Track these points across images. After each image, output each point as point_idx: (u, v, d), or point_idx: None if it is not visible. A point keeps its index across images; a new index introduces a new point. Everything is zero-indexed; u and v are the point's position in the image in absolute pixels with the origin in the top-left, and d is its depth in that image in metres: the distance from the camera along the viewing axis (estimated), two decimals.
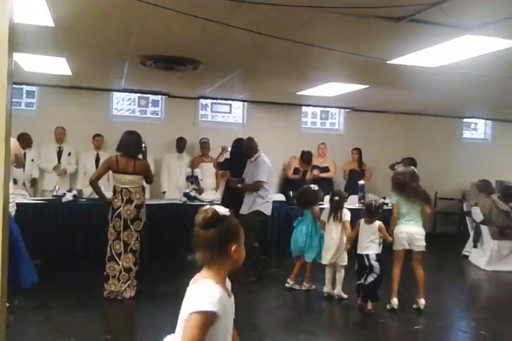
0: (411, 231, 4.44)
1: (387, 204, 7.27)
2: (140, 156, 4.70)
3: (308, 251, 5.00)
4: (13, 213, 4.14)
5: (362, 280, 4.38)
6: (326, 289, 4.87)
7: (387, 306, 4.46)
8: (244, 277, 5.09)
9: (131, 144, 4.55)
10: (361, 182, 7.18)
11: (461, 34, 3.62)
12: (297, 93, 7.06)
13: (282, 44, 3.98)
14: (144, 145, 4.82)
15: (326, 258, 4.80)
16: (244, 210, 5.36)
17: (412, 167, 4.58)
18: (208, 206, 1.65)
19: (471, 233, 6.95)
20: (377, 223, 4.47)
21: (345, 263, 4.76)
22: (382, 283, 4.39)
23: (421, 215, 4.49)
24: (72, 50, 4.66)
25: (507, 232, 6.43)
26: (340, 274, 4.77)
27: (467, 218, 7.16)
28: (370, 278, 4.33)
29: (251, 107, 8.60)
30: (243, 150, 5.69)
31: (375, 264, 4.34)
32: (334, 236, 4.75)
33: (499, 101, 7.37)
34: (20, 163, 4.28)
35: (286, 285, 5.14)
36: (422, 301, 4.47)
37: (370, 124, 8.97)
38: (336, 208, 4.81)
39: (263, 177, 5.36)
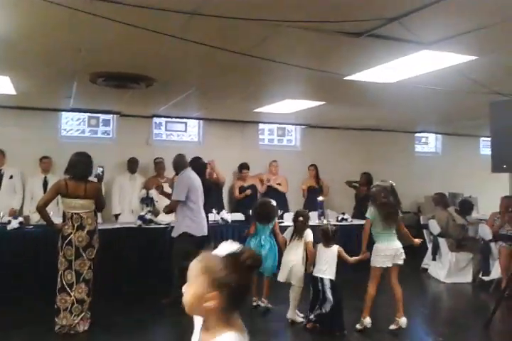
0: (396, 246, 4.35)
1: (346, 219, 7.29)
2: (93, 179, 4.52)
3: (266, 265, 4.85)
4: None
5: (319, 309, 4.30)
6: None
7: (357, 326, 4.34)
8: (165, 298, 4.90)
9: (81, 166, 4.34)
10: (320, 198, 7.13)
11: (420, 49, 3.63)
12: (254, 110, 6.97)
13: (239, 59, 3.87)
14: (101, 169, 4.66)
15: (281, 276, 4.69)
16: (174, 233, 5.20)
17: (390, 181, 4.48)
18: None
19: (429, 246, 7.02)
20: (336, 248, 4.44)
21: (301, 285, 4.59)
22: (342, 311, 4.30)
23: (396, 231, 4.44)
24: (15, 67, 4.36)
25: (464, 244, 6.52)
26: (295, 295, 4.60)
27: (424, 231, 7.23)
28: (327, 307, 4.25)
29: (207, 125, 8.44)
30: (201, 169, 5.55)
31: (328, 292, 4.27)
32: (293, 256, 4.65)
33: (451, 115, 7.56)
34: None
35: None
36: (404, 320, 4.35)
37: (327, 140, 9.04)
38: (300, 228, 4.70)
39: (176, 195, 5.10)
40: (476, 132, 10.07)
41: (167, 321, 4.65)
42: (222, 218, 6.55)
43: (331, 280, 4.31)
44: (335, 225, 4.99)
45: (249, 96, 5.82)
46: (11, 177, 6.79)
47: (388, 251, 4.31)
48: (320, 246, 4.49)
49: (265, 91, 5.61)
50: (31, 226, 5.95)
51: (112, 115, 7.81)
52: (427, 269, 6.94)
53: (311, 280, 4.43)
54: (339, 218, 7.31)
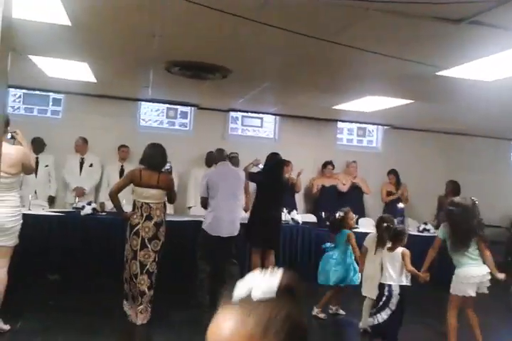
0: (482, 273, 3.79)
1: (428, 230, 6.71)
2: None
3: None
4: (18, 227, 3.82)
5: (372, 319, 3.81)
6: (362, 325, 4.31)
7: None
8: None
9: (156, 157, 4.34)
10: (400, 205, 6.62)
11: None
12: (333, 107, 6.60)
13: (318, 49, 3.57)
14: (169, 164, 4.62)
15: (366, 290, 4.28)
16: None
17: (473, 198, 3.93)
18: None
19: None
20: (400, 250, 3.92)
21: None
22: (401, 324, 3.79)
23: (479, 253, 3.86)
24: (92, 53, 4.37)
25: None
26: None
27: None
28: (384, 315, 3.73)
29: (283, 121, 8.18)
30: (275, 164, 5.31)
31: (394, 299, 3.76)
32: (378, 267, 4.15)
33: None
34: (29, 171, 3.99)
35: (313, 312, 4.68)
36: None
37: (410, 143, 8.43)
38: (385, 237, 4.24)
39: (199, 191, 4.90)
40: None
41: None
42: (292, 218, 6.27)
43: (401, 286, 3.85)
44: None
45: (328, 91, 5.48)
46: (91, 165, 6.96)
47: (472, 278, 3.76)
48: (384, 250, 4.00)
49: (346, 87, 5.22)
50: (104, 213, 6.03)
51: (189, 107, 7.80)
52: None
53: (378, 289, 3.96)
54: (420, 228, 6.74)
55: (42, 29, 3.52)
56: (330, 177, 7.64)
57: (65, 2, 3.03)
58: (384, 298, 3.82)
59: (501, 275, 3.88)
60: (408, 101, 5.72)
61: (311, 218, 7.01)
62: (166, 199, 4.43)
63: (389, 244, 3.99)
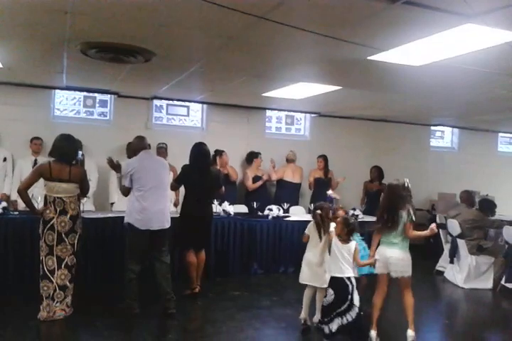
0: (394, 255, 3.85)
1: (357, 216, 6.78)
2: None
3: None
4: None
5: (342, 319, 3.70)
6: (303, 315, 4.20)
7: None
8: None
9: (66, 149, 4.17)
10: (330, 192, 6.63)
11: (462, 22, 3.10)
12: (262, 94, 6.44)
13: (249, 29, 3.35)
14: (81, 152, 4.42)
15: (307, 278, 4.11)
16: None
17: (405, 179, 3.96)
18: None
19: (446, 247, 6.53)
20: (354, 244, 3.89)
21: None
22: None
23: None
24: None
25: (485, 247, 6.01)
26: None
27: (441, 231, 6.72)
28: (353, 314, 3.69)
29: (211, 110, 7.90)
30: (203, 155, 5.01)
31: (356, 296, 3.74)
32: (322, 255, 4.07)
33: (472, 108, 7.03)
34: None
35: None
36: (410, 333, 3.86)
37: (337, 131, 8.56)
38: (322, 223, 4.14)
39: (122, 181, 4.53)
40: (495, 127, 9.56)
41: (148, 312, 4.39)
42: (224, 210, 6.06)
43: (355, 278, 3.82)
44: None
45: (258, 76, 5.28)
46: (5, 159, 6.40)
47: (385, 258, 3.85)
48: (335, 241, 3.90)
49: (277, 72, 5.05)
50: (17, 212, 5.50)
51: (109, 95, 7.30)
52: (442, 272, 6.44)
53: (331, 284, 3.85)
54: (349, 214, 6.79)
55: None
56: (258, 168, 7.53)
57: None
58: (349, 295, 3.72)
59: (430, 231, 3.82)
60: (337, 88, 5.67)
61: (243, 209, 6.85)
62: (80, 192, 4.27)
63: (343, 236, 3.89)
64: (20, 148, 6.52)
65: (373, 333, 3.82)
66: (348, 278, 3.80)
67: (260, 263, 6.21)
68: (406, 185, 3.90)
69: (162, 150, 6.91)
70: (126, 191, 4.48)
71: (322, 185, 7.53)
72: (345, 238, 3.89)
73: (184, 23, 3.45)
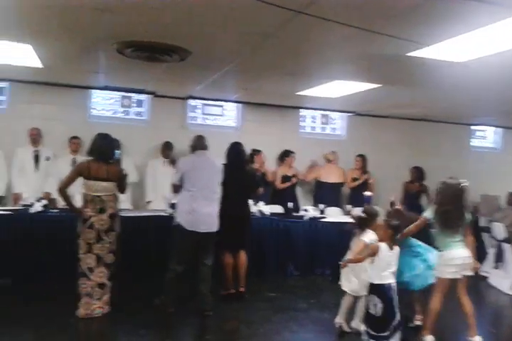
0: (465, 254, 3.74)
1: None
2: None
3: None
4: None
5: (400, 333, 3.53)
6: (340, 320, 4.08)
7: None
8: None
9: (104, 148, 4.23)
10: (368, 193, 6.45)
11: (510, 15, 2.92)
12: (297, 93, 6.34)
13: (284, 23, 3.27)
14: (119, 152, 4.36)
15: (348, 285, 3.98)
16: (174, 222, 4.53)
17: (461, 180, 3.83)
18: None
19: (490, 251, 6.26)
20: (398, 249, 3.65)
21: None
22: None
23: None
24: (34, 32, 3.90)
25: None
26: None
27: (484, 234, 6.46)
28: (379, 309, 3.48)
29: (245, 109, 7.87)
30: (240, 155, 4.96)
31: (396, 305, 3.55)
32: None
33: None
34: None
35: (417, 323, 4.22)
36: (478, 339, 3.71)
37: (374, 130, 8.35)
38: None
39: (173, 178, 4.53)
40: None
41: (185, 311, 4.39)
42: (259, 210, 5.99)
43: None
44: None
45: (293, 74, 5.18)
46: (48, 158, 6.51)
47: (456, 259, 3.68)
48: (384, 247, 3.62)
49: (313, 70, 4.94)
50: (56, 210, 5.60)
51: (145, 95, 7.37)
52: (486, 277, 6.18)
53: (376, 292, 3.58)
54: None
55: None
56: (290, 166, 7.42)
57: None
58: (396, 304, 3.50)
59: (477, 265, 3.82)
60: (376, 86, 5.51)
61: (278, 209, 6.76)
62: (118, 190, 4.31)
63: (386, 240, 3.64)
64: (59, 147, 6.65)
65: (430, 338, 3.69)
66: (392, 285, 3.59)
67: (296, 264, 6.12)
68: (463, 185, 3.80)
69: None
70: (176, 188, 4.49)
71: (360, 185, 7.38)
72: (389, 242, 3.62)
73: (219, 20, 3.39)
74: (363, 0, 2.86)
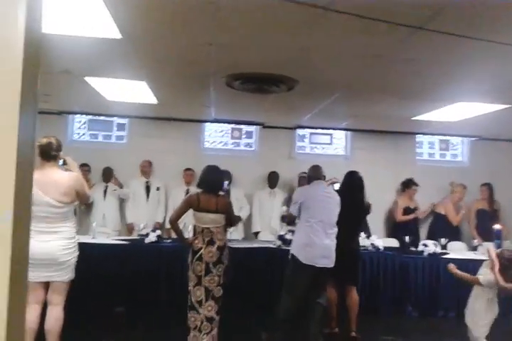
0: None
1: None
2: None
3: None
4: (73, 260, 3.54)
5: None
6: None
7: None
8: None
9: (213, 180, 4.22)
10: (497, 226, 5.74)
11: None
12: (412, 118, 5.93)
13: (398, 42, 3.01)
14: (227, 182, 4.33)
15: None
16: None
17: None
18: None
19: None
20: None
21: None
22: None
23: None
24: (147, 68, 4.07)
25: None
26: None
27: None
28: None
29: (355, 137, 7.59)
30: (358, 185, 4.70)
31: None
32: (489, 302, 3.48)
33: None
34: (84, 199, 3.73)
35: None
36: None
37: (502, 156, 7.50)
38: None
39: (290, 209, 4.36)
40: None
41: None
42: (372, 244, 5.60)
43: None
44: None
45: (408, 98, 4.83)
46: (158, 188, 6.85)
47: None
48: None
49: (431, 91, 4.54)
50: (169, 240, 5.74)
51: (254, 126, 7.45)
52: None
53: None
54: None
55: (92, 45, 3.26)
56: (413, 198, 6.93)
57: (113, 13, 2.73)
58: None
59: None
60: (505, 106, 4.93)
61: (393, 243, 6.29)
62: (226, 223, 4.25)
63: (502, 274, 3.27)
64: (172, 178, 6.92)
65: None
66: None
67: (415, 304, 5.56)
68: None
69: (304, 180, 6.77)
70: (291, 219, 4.38)
71: (486, 217, 6.65)
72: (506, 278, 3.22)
73: (326, 44, 3.24)
74: (493, 8, 2.51)
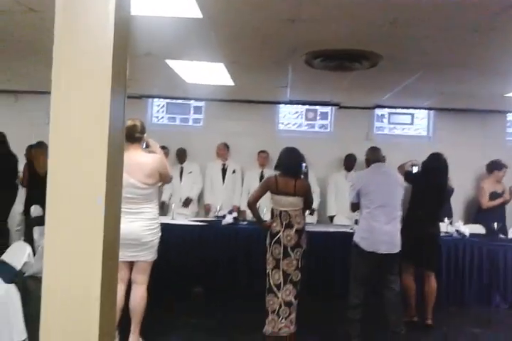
0: None
1: None
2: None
3: None
4: (156, 241, 3.62)
5: None
6: None
7: None
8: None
9: (292, 163, 4.10)
10: None
11: None
12: (505, 95, 5.47)
13: (497, 14, 2.73)
14: (305, 164, 4.27)
15: None
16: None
17: None
18: None
19: None
20: None
21: None
22: None
23: None
24: (227, 49, 4.02)
25: None
26: None
27: None
28: None
29: (438, 116, 7.16)
30: (439, 168, 4.43)
31: None
32: None
33: None
34: (167, 180, 3.79)
35: None
36: None
37: None
38: None
39: (349, 197, 4.19)
40: None
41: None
42: (457, 230, 5.29)
43: None
44: None
45: (505, 73, 4.43)
46: (234, 171, 6.88)
47: None
48: None
49: None
50: (245, 223, 5.77)
51: (330, 107, 7.25)
52: None
53: None
54: None
55: (173, 25, 3.25)
56: (500, 181, 6.46)
57: None
58: None
59: None
60: None
61: (479, 229, 5.91)
62: (303, 207, 4.14)
63: None
64: (247, 160, 6.93)
65: None
66: None
67: (504, 295, 5.22)
68: None
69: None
70: (353, 207, 4.23)
71: None
72: None
73: (418, 18, 3.00)
74: None
